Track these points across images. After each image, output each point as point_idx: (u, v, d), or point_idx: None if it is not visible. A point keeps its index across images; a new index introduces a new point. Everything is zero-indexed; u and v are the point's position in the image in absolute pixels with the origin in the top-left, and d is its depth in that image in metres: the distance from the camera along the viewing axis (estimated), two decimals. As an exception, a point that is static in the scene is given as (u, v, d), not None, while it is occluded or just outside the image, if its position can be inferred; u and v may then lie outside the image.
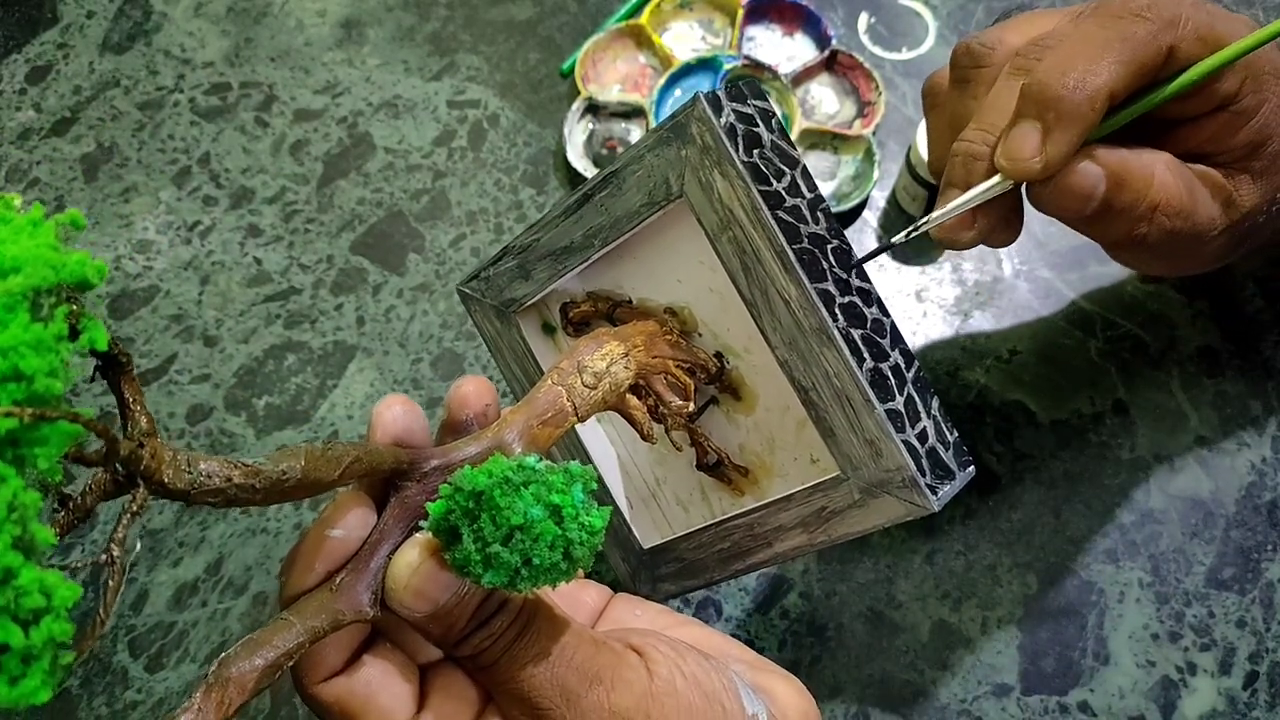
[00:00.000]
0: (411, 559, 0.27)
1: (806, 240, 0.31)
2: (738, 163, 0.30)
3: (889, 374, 0.31)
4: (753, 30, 0.60)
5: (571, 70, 0.60)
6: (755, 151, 0.31)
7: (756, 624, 0.46)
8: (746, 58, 0.58)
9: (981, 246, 0.53)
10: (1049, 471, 0.49)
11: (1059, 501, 0.48)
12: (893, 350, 0.32)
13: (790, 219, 0.31)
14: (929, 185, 0.51)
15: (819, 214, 0.32)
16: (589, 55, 0.59)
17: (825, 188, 0.56)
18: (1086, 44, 0.32)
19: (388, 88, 0.60)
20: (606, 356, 0.33)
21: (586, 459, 0.40)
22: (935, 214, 0.34)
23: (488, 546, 0.26)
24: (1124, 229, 0.35)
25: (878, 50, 0.60)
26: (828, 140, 0.57)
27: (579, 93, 0.58)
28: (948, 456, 0.32)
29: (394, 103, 0.60)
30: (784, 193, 0.31)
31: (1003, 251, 0.53)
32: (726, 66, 0.57)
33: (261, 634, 0.25)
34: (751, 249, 0.31)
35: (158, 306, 0.55)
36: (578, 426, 0.36)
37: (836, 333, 0.30)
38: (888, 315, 0.32)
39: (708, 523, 0.37)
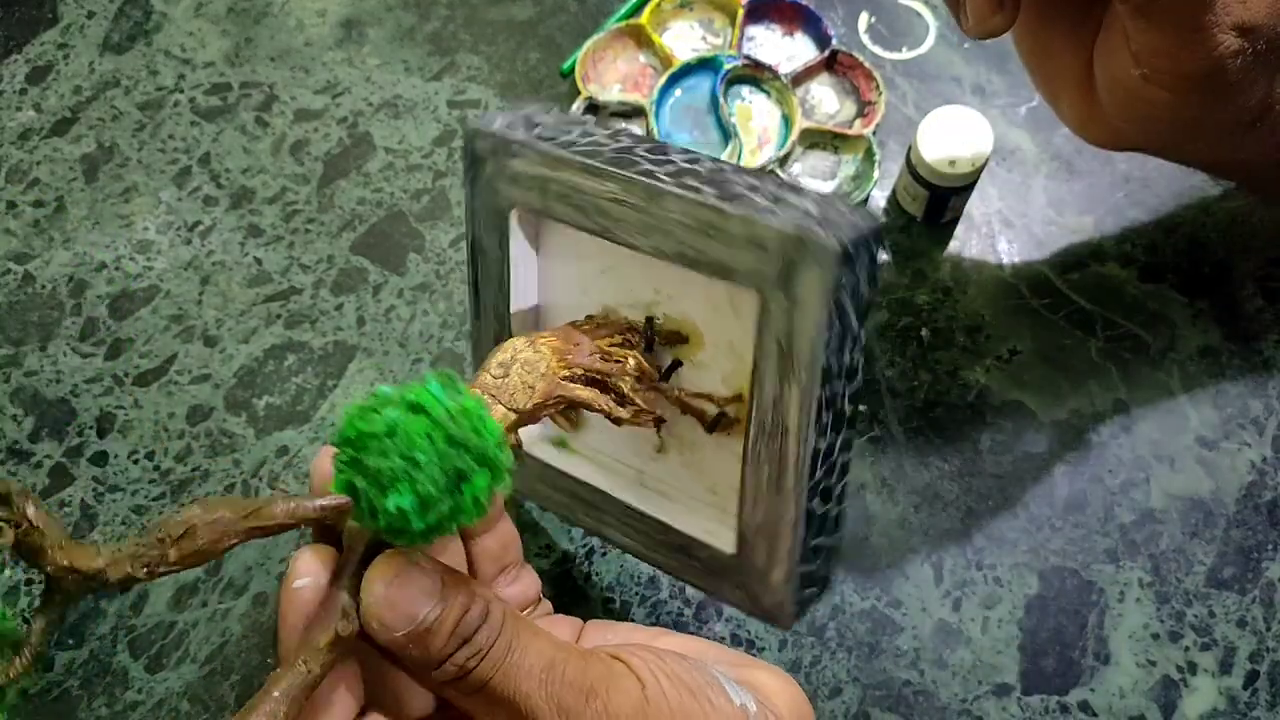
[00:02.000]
0: (384, 570, 0.27)
1: (610, 152, 0.34)
2: (521, 139, 0.34)
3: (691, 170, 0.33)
4: (753, 30, 0.60)
5: (571, 70, 0.60)
6: (535, 130, 0.35)
7: (757, 624, 0.46)
8: (746, 58, 0.58)
9: (981, 245, 0.53)
10: (1049, 471, 0.49)
11: (1059, 501, 0.48)
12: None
13: (586, 149, 0.34)
14: (929, 185, 0.51)
15: (621, 137, 0.35)
16: (589, 55, 0.59)
17: (825, 187, 0.56)
18: None
19: (388, 88, 0.61)
20: (508, 349, 0.34)
21: (608, 498, 0.40)
22: None
23: (374, 472, 0.26)
24: None
25: (878, 50, 0.60)
26: (828, 140, 0.57)
27: (579, 93, 0.58)
28: None
29: (394, 103, 0.60)
30: (574, 140, 0.34)
31: (1003, 251, 0.54)
32: (726, 66, 0.57)
33: (256, 697, 0.26)
34: (569, 187, 0.34)
35: (158, 306, 0.55)
36: (578, 468, 0.39)
37: (665, 183, 0.32)
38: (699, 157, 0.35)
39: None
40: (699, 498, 0.40)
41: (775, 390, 0.33)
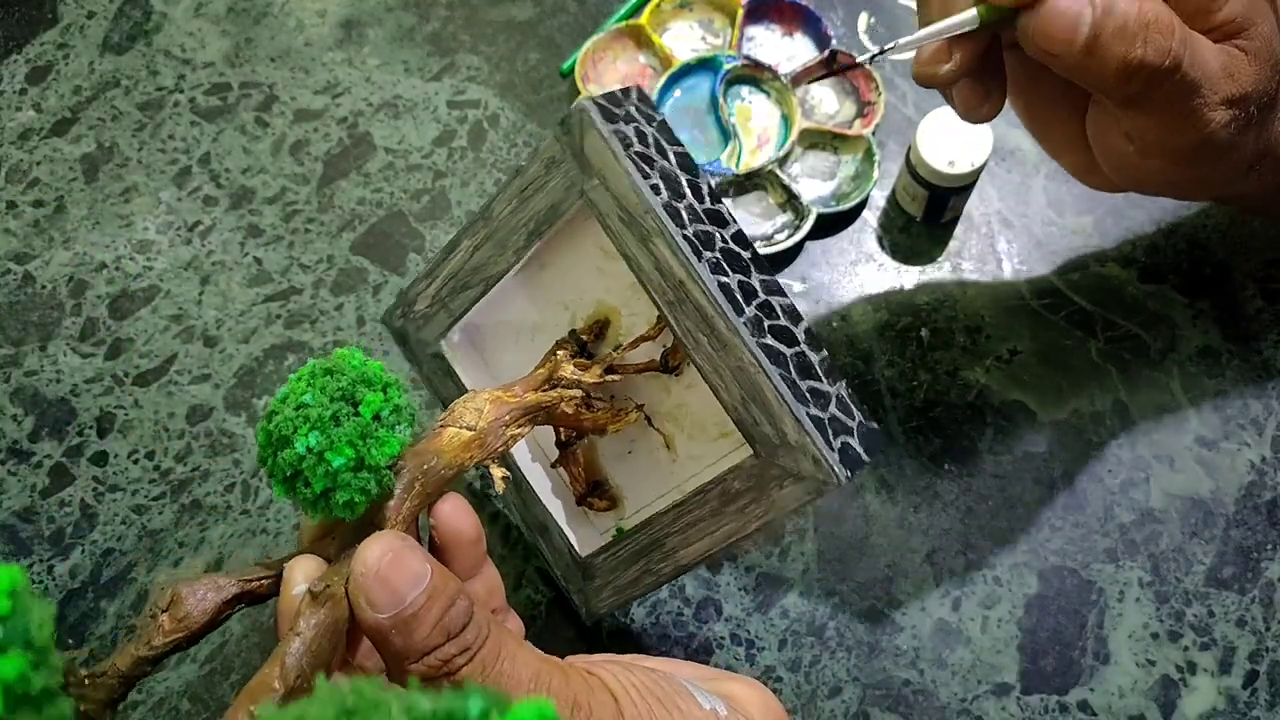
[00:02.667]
0: (378, 544, 0.27)
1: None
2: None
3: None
4: (753, 30, 0.60)
5: (571, 70, 0.60)
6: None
7: (756, 624, 0.46)
8: (746, 58, 0.58)
9: (981, 245, 0.53)
10: (1049, 471, 0.49)
11: (1059, 501, 0.48)
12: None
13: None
14: (929, 185, 0.51)
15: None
16: (589, 55, 0.59)
17: (825, 188, 0.56)
18: None
19: (388, 88, 0.61)
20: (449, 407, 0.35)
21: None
22: (906, 39, 0.35)
23: (280, 437, 0.28)
24: (1117, 54, 0.33)
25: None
26: (828, 140, 0.57)
27: (579, 93, 0.58)
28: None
29: (394, 103, 0.60)
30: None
31: (1003, 251, 0.54)
32: (726, 66, 0.57)
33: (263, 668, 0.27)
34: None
35: (158, 306, 0.55)
36: (639, 536, 0.39)
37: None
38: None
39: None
40: (709, 446, 0.39)
41: (651, 259, 0.33)
